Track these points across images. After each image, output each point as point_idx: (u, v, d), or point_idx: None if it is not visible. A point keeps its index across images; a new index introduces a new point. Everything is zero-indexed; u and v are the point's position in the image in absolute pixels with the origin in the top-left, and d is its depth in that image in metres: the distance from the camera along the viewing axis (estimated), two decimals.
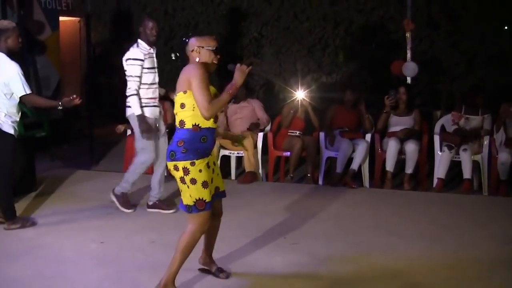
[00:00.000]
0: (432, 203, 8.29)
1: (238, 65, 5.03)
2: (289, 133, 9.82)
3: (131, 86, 7.45)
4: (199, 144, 4.99)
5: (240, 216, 7.49)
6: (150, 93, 7.59)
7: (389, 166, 9.21)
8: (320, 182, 9.51)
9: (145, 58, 7.49)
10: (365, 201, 8.41)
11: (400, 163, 9.37)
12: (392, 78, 10.60)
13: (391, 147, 9.16)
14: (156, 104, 7.68)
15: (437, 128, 9.59)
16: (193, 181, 4.95)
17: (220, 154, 9.71)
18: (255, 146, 9.57)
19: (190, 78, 4.90)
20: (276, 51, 12.16)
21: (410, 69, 9.99)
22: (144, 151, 7.62)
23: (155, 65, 7.71)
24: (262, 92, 12.14)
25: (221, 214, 5.50)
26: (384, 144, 9.45)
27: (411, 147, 9.12)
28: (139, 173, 7.75)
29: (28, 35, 13.48)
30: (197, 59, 5.04)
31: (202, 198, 5.00)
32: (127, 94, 7.51)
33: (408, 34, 10.01)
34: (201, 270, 5.69)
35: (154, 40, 7.67)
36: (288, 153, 9.68)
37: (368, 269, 5.88)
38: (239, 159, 9.93)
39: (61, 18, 14.43)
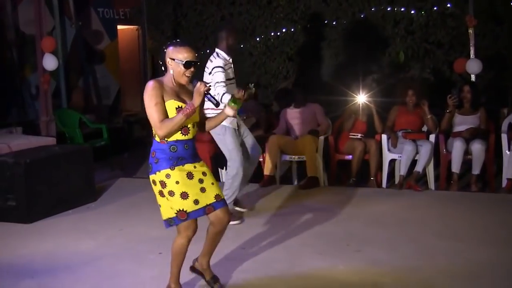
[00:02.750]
0: (501, 205, 8.02)
1: (198, 83, 4.85)
2: (350, 136, 9.65)
3: (219, 91, 7.22)
4: (169, 152, 4.88)
5: (301, 223, 7.38)
6: None
7: (455, 167, 8.95)
8: (384, 185, 9.34)
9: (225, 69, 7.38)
10: (430, 204, 8.17)
11: (466, 164, 9.11)
12: (456, 76, 10.34)
13: (457, 147, 8.91)
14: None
15: (504, 127, 9.25)
16: (171, 193, 4.87)
17: (281, 159, 9.57)
18: (317, 150, 9.40)
19: (144, 95, 4.81)
20: (335, 52, 12.01)
21: (473, 66, 9.73)
22: (231, 162, 7.50)
23: (233, 76, 7.61)
24: (322, 94, 11.99)
25: (225, 222, 5.16)
26: (449, 144, 9.20)
27: (477, 147, 8.85)
28: (236, 186, 7.55)
29: (87, 45, 13.62)
30: (170, 71, 4.93)
31: (183, 209, 4.89)
32: (219, 99, 7.27)
33: (470, 30, 9.75)
34: (192, 270, 5.54)
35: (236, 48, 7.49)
36: (350, 157, 9.51)
37: (435, 276, 5.65)
38: (301, 164, 9.78)
39: (119, 27, 14.56)
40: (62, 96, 11.55)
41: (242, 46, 12.64)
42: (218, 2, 12.80)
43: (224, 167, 9.46)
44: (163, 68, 5.00)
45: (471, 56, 9.78)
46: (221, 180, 8.97)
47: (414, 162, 9.02)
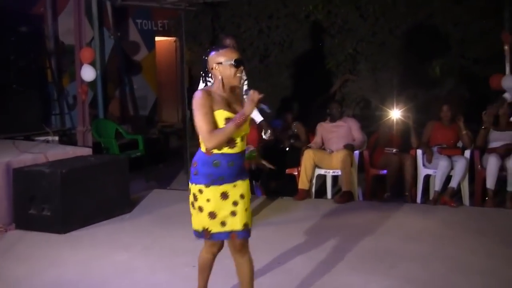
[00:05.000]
0: None
1: (251, 92, 4.60)
2: (385, 151, 9.64)
3: None
4: (211, 168, 4.66)
5: (335, 237, 7.34)
6: None
7: (490, 183, 8.88)
8: (418, 200, 9.29)
9: None
10: (465, 221, 8.09)
11: (502, 180, 9.03)
12: (492, 92, 10.26)
13: (492, 163, 8.85)
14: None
15: None
16: (201, 209, 4.71)
17: (316, 173, 9.58)
18: (352, 165, 9.39)
19: (193, 105, 4.61)
20: (372, 67, 12.01)
21: (509, 82, 9.67)
22: None
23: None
24: (358, 109, 11.99)
25: (242, 252, 4.88)
26: (484, 160, 9.15)
27: None
28: None
29: (125, 56, 13.74)
30: (219, 77, 4.68)
31: (208, 229, 4.73)
32: None
33: (506, 47, 9.69)
34: None
35: None
36: (385, 171, 9.49)
37: None
38: (335, 178, 9.77)
39: (157, 38, 14.67)
40: (99, 106, 11.67)
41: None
42: (256, 16, 12.84)
43: (260, 180, 9.52)
44: (204, 80, 4.79)
45: (507, 72, 9.71)
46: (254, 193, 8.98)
47: (449, 178, 8.97)
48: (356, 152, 9.58)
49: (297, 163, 9.59)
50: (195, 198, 4.71)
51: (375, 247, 7.01)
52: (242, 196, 4.78)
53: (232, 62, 4.67)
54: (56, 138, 10.69)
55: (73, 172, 8.05)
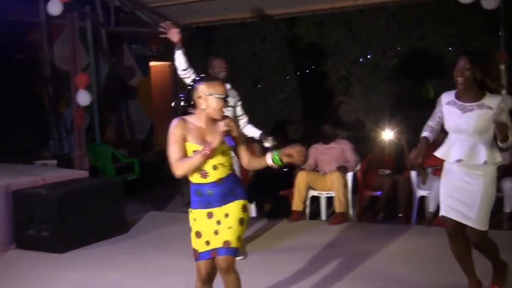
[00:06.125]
0: None
1: (219, 123, 4.68)
2: (379, 172, 9.70)
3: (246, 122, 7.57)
4: (195, 196, 4.84)
5: (327, 258, 7.38)
6: None
7: None
8: (413, 222, 9.30)
9: None
10: None
11: (498, 201, 9.04)
12: None
13: None
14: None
15: None
16: (190, 229, 4.88)
17: (310, 195, 9.64)
18: (345, 186, 9.45)
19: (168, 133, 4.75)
20: (365, 89, 12.08)
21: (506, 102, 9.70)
22: None
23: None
24: (352, 130, 12.04)
25: (222, 272, 4.86)
26: None
27: (508, 184, 8.81)
28: None
29: (120, 81, 13.83)
30: (203, 107, 4.73)
31: (195, 248, 4.83)
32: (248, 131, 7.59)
33: (503, 66, 9.72)
34: None
35: (223, 76, 7.37)
36: (379, 193, 9.55)
37: None
38: (329, 200, 9.83)
39: (152, 63, 14.77)
40: (96, 131, 11.78)
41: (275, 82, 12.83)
42: (249, 39, 12.93)
43: (255, 202, 9.58)
44: (186, 103, 4.85)
45: (503, 92, 9.74)
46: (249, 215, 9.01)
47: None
48: (350, 174, 9.64)
49: (290, 185, 9.65)
50: (190, 221, 4.87)
51: (367, 267, 7.05)
52: (226, 215, 4.79)
53: (222, 96, 4.74)
54: (55, 162, 10.83)
55: (70, 194, 8.27)
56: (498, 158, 5.35)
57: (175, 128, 4.70)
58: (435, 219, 8.90)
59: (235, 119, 7.42)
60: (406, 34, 11.80)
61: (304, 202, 9.54)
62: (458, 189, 5.53)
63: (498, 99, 5.21)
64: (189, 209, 4.88)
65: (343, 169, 9.54)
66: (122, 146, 13.35)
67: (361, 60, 12.05)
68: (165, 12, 10.65)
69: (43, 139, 12.16)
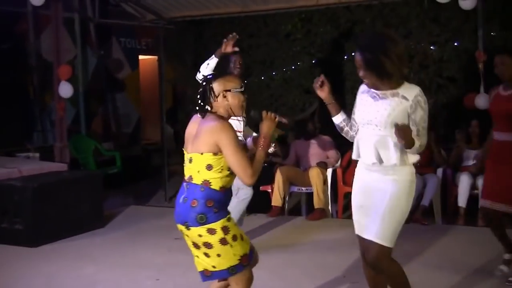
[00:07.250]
0: None
1: (264, 113, 4.41)
2: None
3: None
4: (226, 200, 4.37)
5: (303, 254, 7.46)
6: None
7: (462, 201, 8.98)
8: None
9: None
10: (433, 238, 8.13)
11: (474, 198, 9.08)
12: (466, 111, 10.32)
13: (463, 182, 8.96)
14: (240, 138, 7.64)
15: None
16: (235, 238, 4.28)
17: (289, 191, 9.64)
18: (325, 183, 9.45)
19: (220, 141, 4.17)
20: (352, 86, 12.07)
21: (482, 101, 9.73)
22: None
23: None
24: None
25: None
26: (457, 179, 9.22)
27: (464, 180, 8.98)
28: (241, 210, 7.57)
29: (108, 74, 13.82)
30: (227, 106, 4.35)
31: (246, 253, 4.34)
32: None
33: (480, 66, 9.72)
34: None
35: (238, 72, 7.35)
36: None
37: None
38: (310, 196, 9.83)
39: (141, 57, 14.76)
40: (81, 123, 11.78)
41: (262, 78, 12.82)
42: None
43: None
44: (202, 106, 4.38)
45: (481, 91, 9.75)
46: None
47: (421, 196, 9.01)
48: (329, 170, 9.64)
49: (271, 180, 9.65)
50: (226, 231, 4.26)
51: (340, 263, 7.05)
52: None
53: (241, 89, 4.39)
54: (37, 154, 10.73)
55: (45, 186, 8.19)
56: (413, 158, 4.71)
57: (234, 133, 4.27)
58: (412, 216, 8.90)
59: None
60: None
61: (284, 197, 9.54)
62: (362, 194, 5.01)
63: (416, 90, 4.56)
64: (227, 217, 4.33)
65: (322, 165, 9.55)
66: (108, 139, 13.36)
67: (345, 57, 12.00)
68: (151, 5, 10.62)
69: (28, 131, 12.11)
